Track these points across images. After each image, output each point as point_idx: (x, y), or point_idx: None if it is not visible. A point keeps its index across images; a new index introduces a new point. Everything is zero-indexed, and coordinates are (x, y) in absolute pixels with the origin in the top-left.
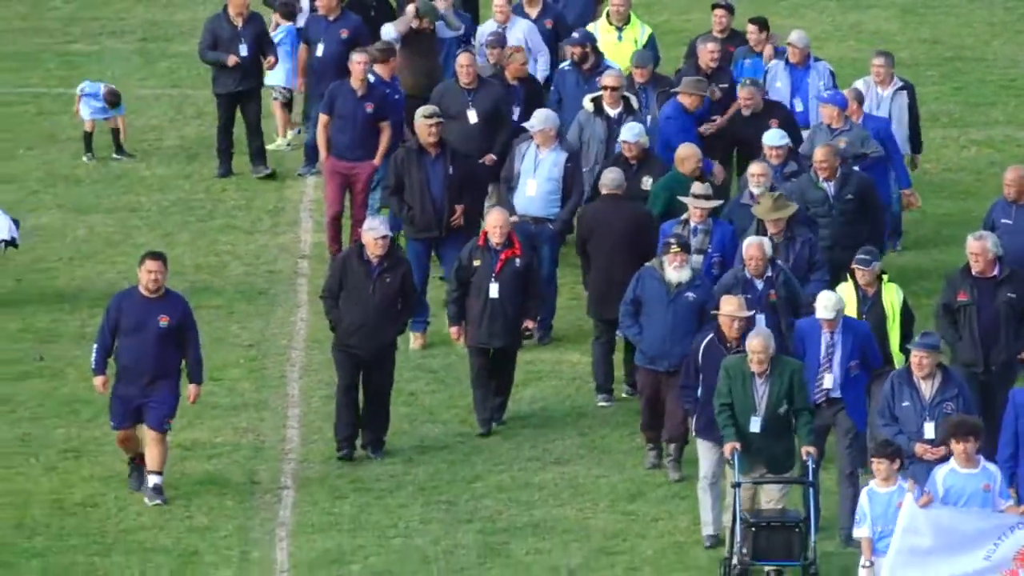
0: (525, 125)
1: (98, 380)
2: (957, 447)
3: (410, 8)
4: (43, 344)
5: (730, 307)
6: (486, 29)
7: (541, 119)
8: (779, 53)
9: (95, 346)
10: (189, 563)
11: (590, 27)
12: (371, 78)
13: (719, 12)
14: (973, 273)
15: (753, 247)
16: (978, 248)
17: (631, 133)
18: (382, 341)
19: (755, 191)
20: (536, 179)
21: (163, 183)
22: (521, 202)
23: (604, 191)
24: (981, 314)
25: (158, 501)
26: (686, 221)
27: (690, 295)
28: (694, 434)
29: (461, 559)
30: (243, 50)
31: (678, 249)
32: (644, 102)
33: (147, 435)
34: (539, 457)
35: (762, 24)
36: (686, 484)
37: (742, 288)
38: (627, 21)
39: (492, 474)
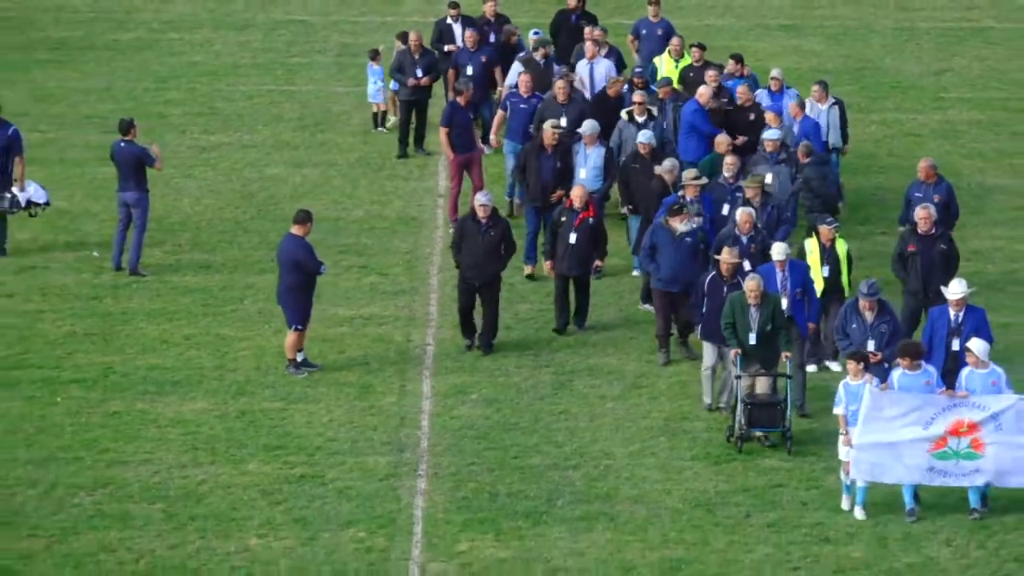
0: (578, 130)
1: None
2: (904, 361)
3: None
4: (273, 251)
5: (727, 255)
6: (580, 64)
7: (588, 127)
8: (751, 78)
9: (323, 264)
10: (367, 391)
11: (656, 59)
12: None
13: (695, 50)
14: (919, 232)
15: (744, 215)
16: (924, 214)
17: (644, 137)
18: (490, 273)
19: (727, 174)
20: (586, 167)
21: (350, 147)
22: (578, 182)
23: (663, 175)
24: (923, 259)
25: (310, 368)
26: (683, 195)
27: (688, 240)
28: (700, 337)
29: (541, 390)
30: (418, 72)
31: (687, 212)
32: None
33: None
34: (592, 326)
35: (738, 58)
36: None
37: (733, 240)
38: (681, 55)
39: (562, 336)
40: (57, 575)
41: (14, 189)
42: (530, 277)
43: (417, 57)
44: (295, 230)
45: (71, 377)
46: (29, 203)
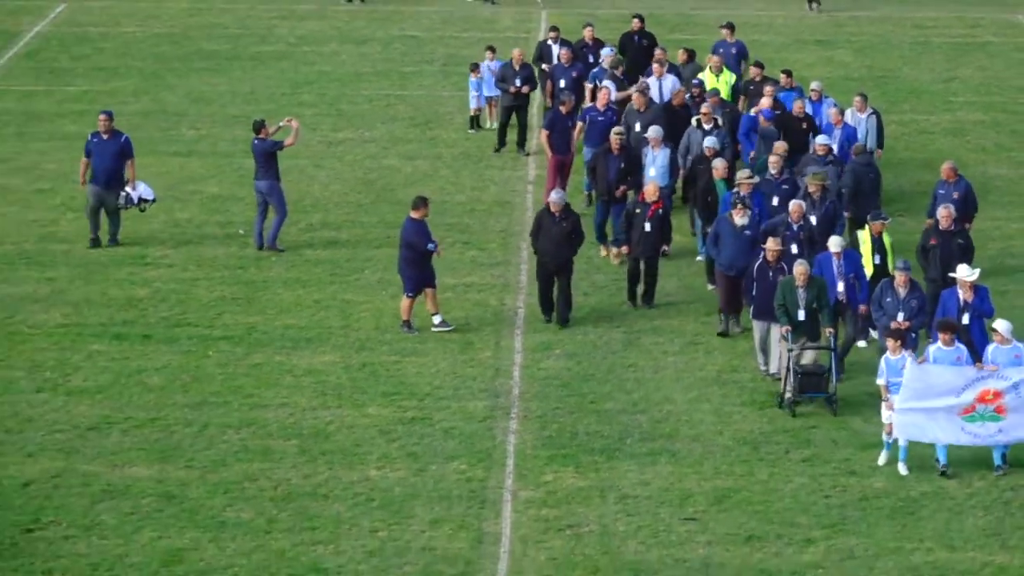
0: (645, 136)
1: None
2: (942, 336)
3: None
4: (389, 229)
5: (772, 243)
6: (651, 80)
7: (652, 132)
8: (797, 89)
9: (432, 244)
10: (468, 347)
11: (701, 74)
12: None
13: (754, 68)
14: (940, 228)
15: (796, 206)
16: (945, 213)
17: (709, 142)
18: (563, 258)
19: (773, 171)
20: (654, 167)
21: (454, 142)
22: (648, 180)
23: (714, 171)
24: (943, 251)
25: (444, 328)
26: (739, 192)
27: (747, 232)
28: (751, 317)
29: (614, 346)
30: (517, 82)
31: (743, 207)
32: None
33: (430, 292)
34: (658, 296)
35: (788, 73)
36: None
37: (785, 227)
38: (721, 71)
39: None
40: (209, 499)
41: (128, 188)
42: (606, 255)
43: (517, 69)
44: (412, 214)
45: (221, 334)
46: (140, 200)
